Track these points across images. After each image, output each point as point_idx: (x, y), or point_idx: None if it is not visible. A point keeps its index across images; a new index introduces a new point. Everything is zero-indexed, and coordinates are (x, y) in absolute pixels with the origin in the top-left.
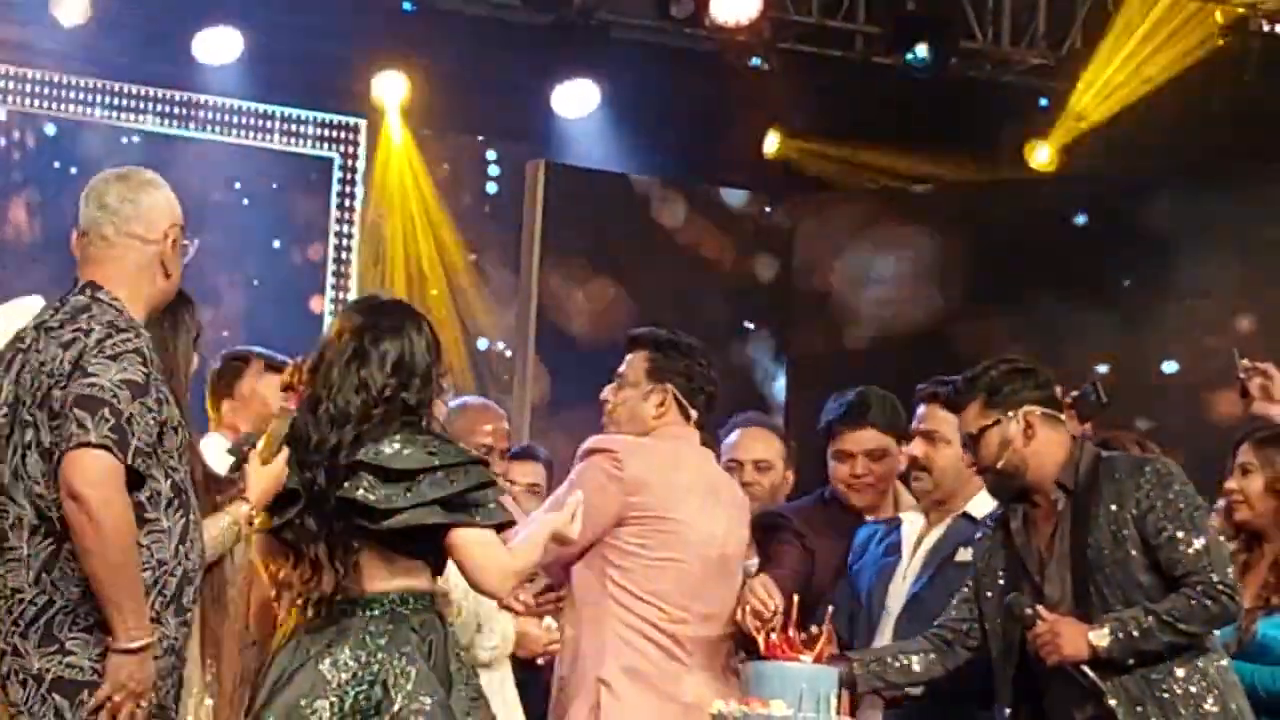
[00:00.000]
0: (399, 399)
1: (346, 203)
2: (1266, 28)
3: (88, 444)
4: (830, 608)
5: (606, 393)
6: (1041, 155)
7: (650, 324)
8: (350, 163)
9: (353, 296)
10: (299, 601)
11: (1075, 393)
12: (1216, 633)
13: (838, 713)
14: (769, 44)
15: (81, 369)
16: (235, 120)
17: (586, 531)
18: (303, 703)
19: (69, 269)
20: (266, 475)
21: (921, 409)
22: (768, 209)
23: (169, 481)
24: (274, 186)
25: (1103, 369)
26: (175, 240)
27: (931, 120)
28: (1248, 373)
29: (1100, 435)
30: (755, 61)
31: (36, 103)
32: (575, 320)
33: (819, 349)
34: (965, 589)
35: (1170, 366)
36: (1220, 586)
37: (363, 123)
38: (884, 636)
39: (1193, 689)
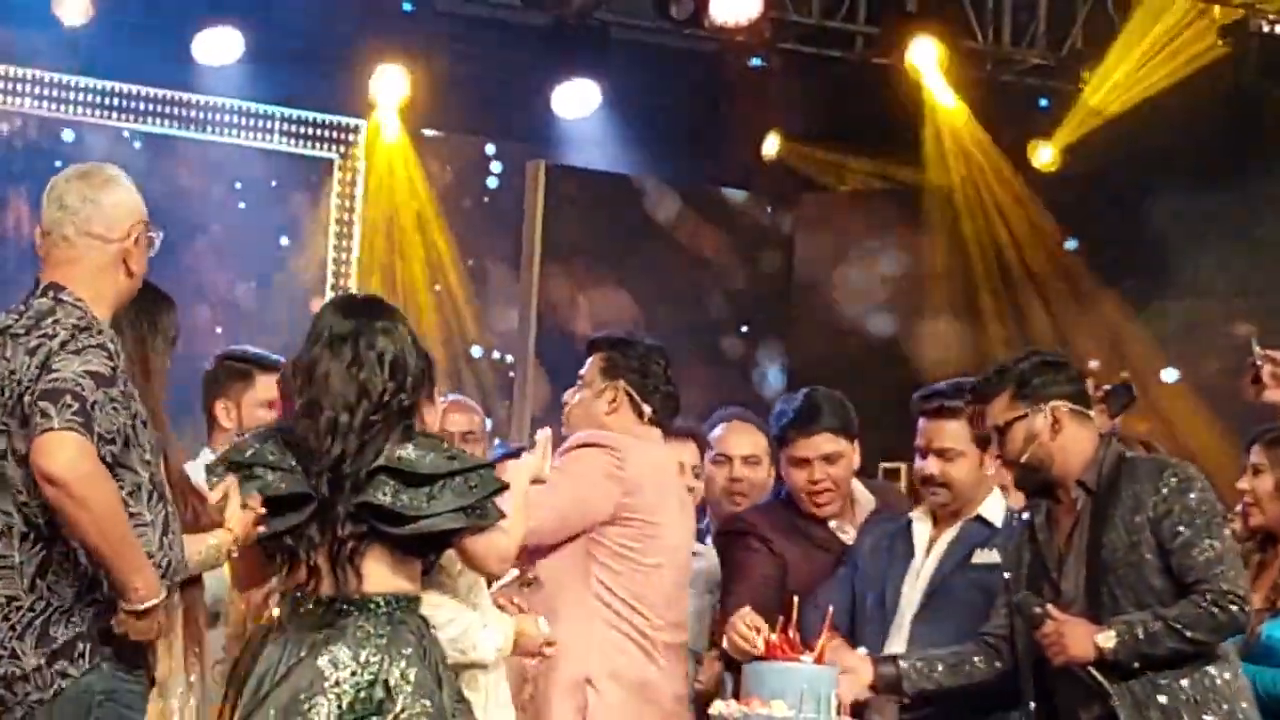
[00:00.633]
0: (397, 401)
1: (346, 203)
2: (1266, 28)
3: (51, 429)
4: (830, 608)
5: (566, 395)
6: (1044, 155)
7: (651, 324)
8: (350, 163)
9: (354, 287)
10: (283, 597)
11: (1107, 387)
12: (1228, 641)
13: (838, 713)
14: (769, 44)
15: (47, 368)
16: (235, 121)
17: (573, 521)
18: (302, 698)
19: None
20: (249, 517)
21: (925, 425)
22: (768, 209)
23: (147, 474)
24: (274, 186)
25: (1093, 363)
26: (138, 237)
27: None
28: (1263, 360)
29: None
30: (755, 62)
31: (37, 103)
32: (576, 322)
33: (819, 349)
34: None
35: (1170, 373)
36: (1230, 596)
37: (363, 123)
38: (898, 639)
39: (1198, 697)
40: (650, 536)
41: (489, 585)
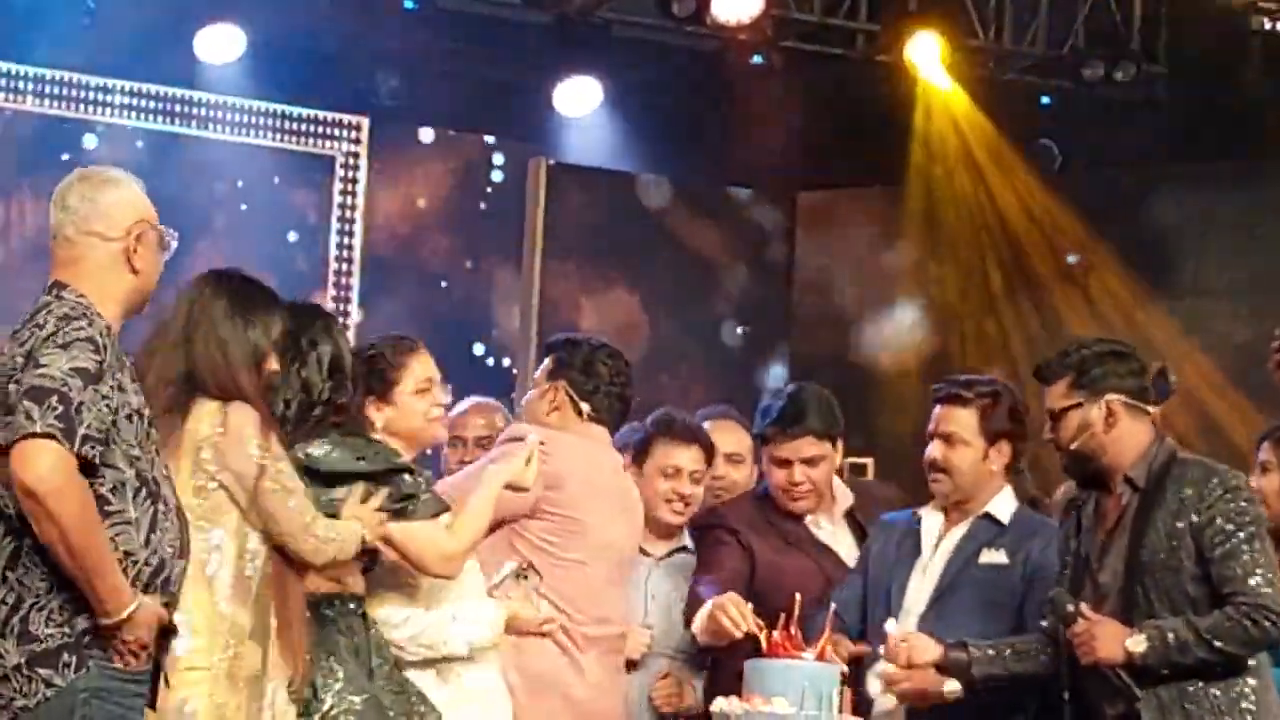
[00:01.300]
0: (333, 400)
1: (349, 200)
2: (1268, 25)
3: (33, 434)
4: (834, 606)
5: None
6: (1048, 154)
7: (653, 322)
8: (352, 160)
9: (355, 293)
10: None
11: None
12: (1264, 654)
13: (839, 710)
14: (771, 42)
15: (33, 360)
16: (237, 119)
17: (495, 514)
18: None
19: None
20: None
21: (938, 410)
22: (770, 207)
23: (133, 470)
24: (275, 183)
25: None
26: (141, 236)
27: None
28: None
29: None
30: (757, 60)
31: (40, 100)
32: (579, 320)
33: (822, 347)
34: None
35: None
36: (1266, 611)
37: (365, 120)
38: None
39: (1224, 706)
40: (572, 532)
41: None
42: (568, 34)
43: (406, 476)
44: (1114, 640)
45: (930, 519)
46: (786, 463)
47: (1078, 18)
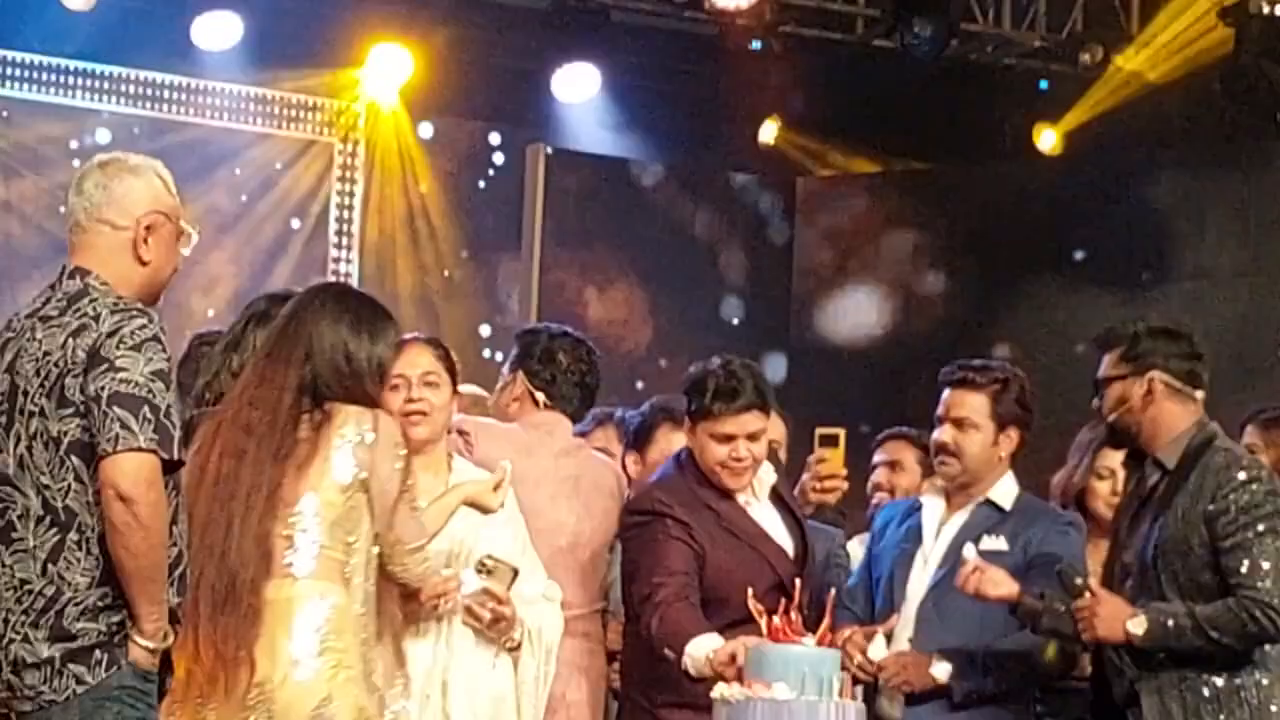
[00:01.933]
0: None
1: (348, 186)
2: (1266, 9)
3: (138, 448)
4: (833, 590)
5: None
6: (1047, 139)
7: (654, 309)
8: (351, 146)
9: (355, 280)
10: None
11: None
12: (1269, 649)
13: (840, 696)
14: (770, 27)
15: (107, 361)
16: (235, 106)
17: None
18: None
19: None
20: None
21: (947, 394)
22: (769, 192)
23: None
24: (276, 169)
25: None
26: (152, 226)
27: (932, 103)
28: None
29: None
30: (756, 45)
31: (36, 89)
32: (578, 306)
33: (821, 331)
34: None
35: None
36: (1266, 606)
37: (362, 107)
38: (906, 624)
39: (1221, 697)
40: None
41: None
42: (566, 20)
43: None
44: (1115, 619)
45: (931, 506)
46: (729, 438)
47: (1077, 2)
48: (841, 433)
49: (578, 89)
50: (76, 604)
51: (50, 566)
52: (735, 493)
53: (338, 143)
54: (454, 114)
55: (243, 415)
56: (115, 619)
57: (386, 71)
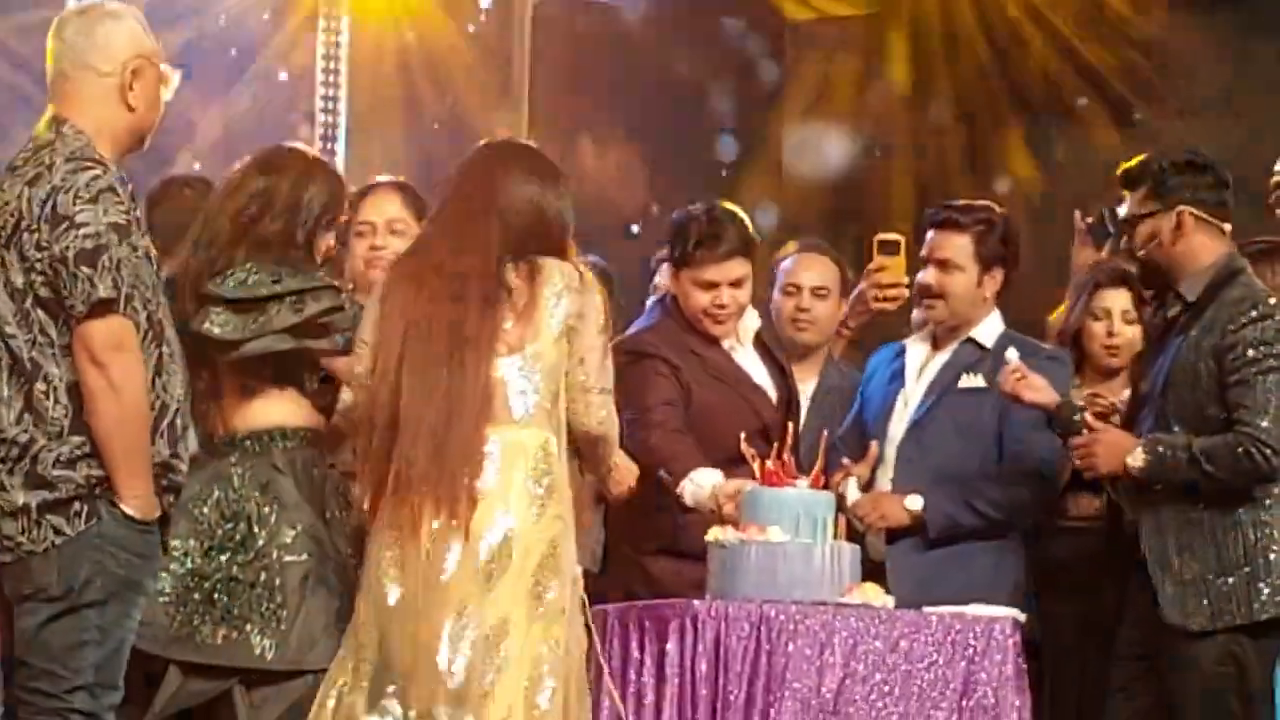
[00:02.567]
0: (258, 228)
1: (333, 37)
2: None
3: (103, 301)
4: (825, 433)
5: None
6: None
7: (644, 154)
8: None
9: (343, 131)
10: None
11: (1089, 220)
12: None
13: (834, 537)
14: None
15: (67, 219)
16: None
17: None
18: (175, 543)
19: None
20: None
21: (932, 235)
22: (760, 36)
23: (144, 314)
24: (263, 19)
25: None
26: (137, 71)
27: None
28: None
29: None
30: None
31: None
32: (571, 155)
33: (807, 175)
34: None
35: None
36: (1262, 445)
37: None
38: (887, 465)
39: (1218, 534)
40: None
41: None
42: None
43: (333, 293)
44: (1115, 455)
45: (915, 349)
46: (712, 285)
47: None
48: (902, 239)
49: None
50: (51, 452)
51: (26, 415)
52: (720, 339)
53: None
54: None
55: (455, 263)
56: (95, 471)
57: None
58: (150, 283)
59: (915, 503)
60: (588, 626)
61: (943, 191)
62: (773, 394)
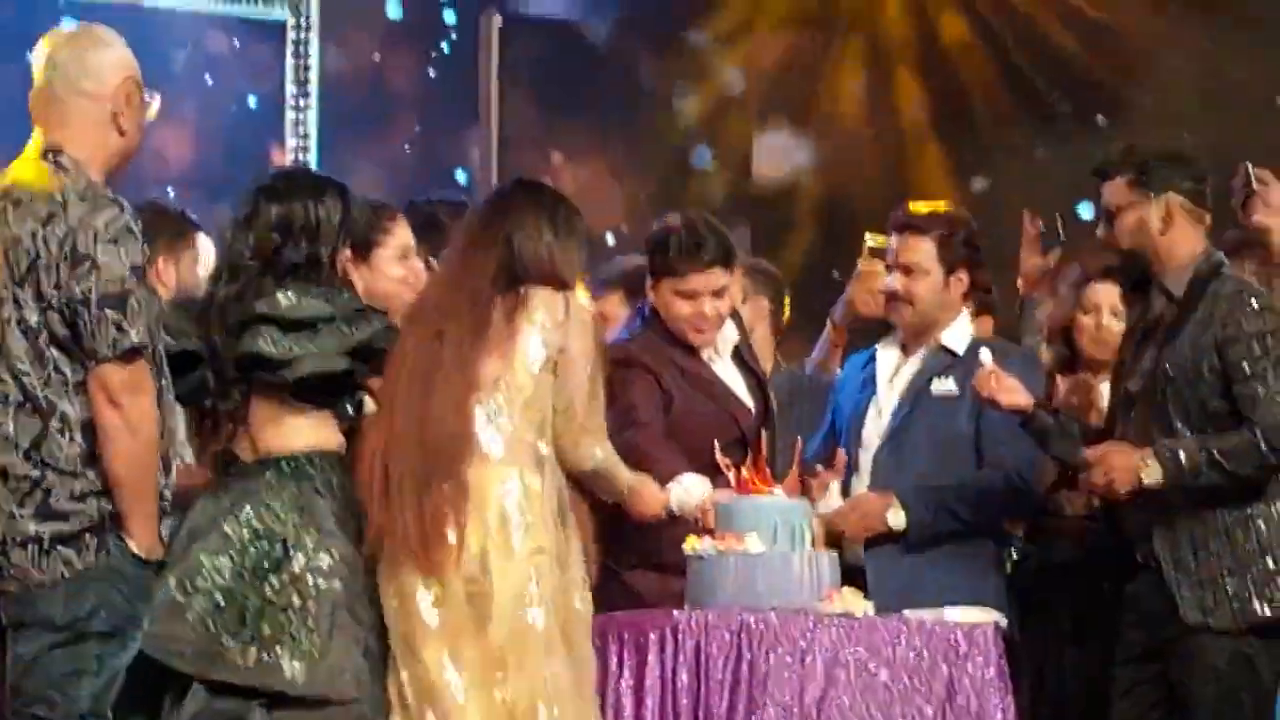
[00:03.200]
0: (283, 256)
1: (302, 62)
2: None
3: (136, 349)
4: (799, 440)
5: None
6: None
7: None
8: (304, 21)
9: (314, 154)
10: (212, 457)
11: (1041, 224)
12: None
13: (812, 545)
14: None
15: (89, 258)
16: None
17: None
18: (203, 559)
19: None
20: None
21: (894, 239)
22: (724, 46)
23: (151, 349)
24: (235, 46)
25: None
26: (129, 95)
27: None
28: (1257, 182)
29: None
30: None
31: None
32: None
33: (777, 181)
34: None
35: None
36: None
37: None
38: (862, 472)
39: (1231, 529)
40: None
41: None
42: None
43: (383, 317)
44: (1129, 473)
45: (885, 354)
46: (694, 295)
47: None
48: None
49: None
50: (64, 486)
51: (34, 453)
52: (700, 349)
53: (289, 17)
54: None
55: (443, 299)
56: (106, 505)
57: None
58: (157, 317)
59: (898, 519)
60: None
61: (918, 194)
62: (751, 405)
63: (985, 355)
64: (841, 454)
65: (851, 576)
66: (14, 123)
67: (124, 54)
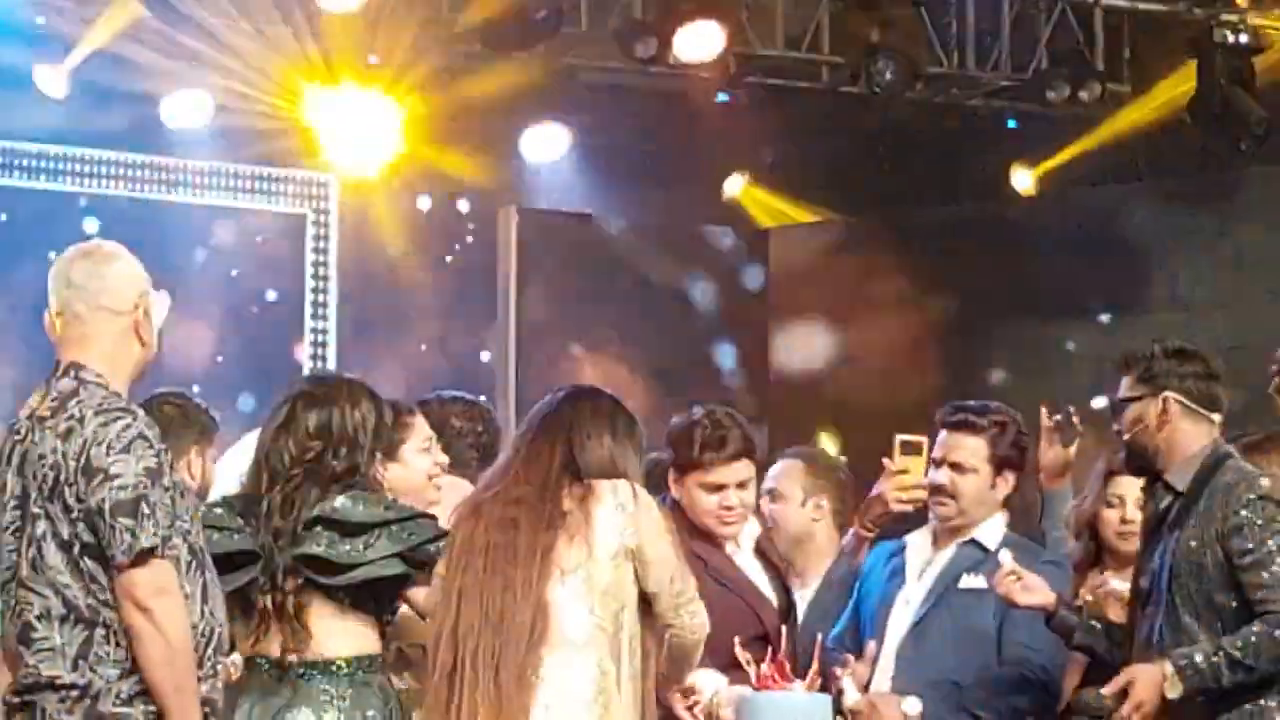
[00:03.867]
0: (326, 463)
1: (321, 257)
2: (1230, 38)
3: (149, 550)
4: (819, 636)
5: None
6: (1023, 181)
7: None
8: (322, 218)
9: (333, 349)
10: (249, 662)
11: (1058, 417)
12: None
13: None
14: (735, 79)
15: (102, 471)
16: (208, 182)
17: None
18: None
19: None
20: None
21: (944, 436)
22: (742, 242)
23: (185, 545)
24: (256, 241)
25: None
26: (146, 308)
27: (900, 146)
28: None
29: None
30: (722, 97)
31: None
32: (560, 365)
33: (797, 377)
34: None
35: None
36: None
37: (332, 178)
38: (885, 664)
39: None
40: None
41: None
42: (533, 80)
43: (433, 522)
44: (1152, 690)
45: (916, 546)
46: (719, 488)
47: (1041, 39)
48: (925, 440)
49: (547, 148)
50: (110, 692)
51: (81, 662)
52: (723, 542)
53: (310, 213)
54: (424, 179)
55: (511, 490)
56: (151, 708)
57: (356, 139)
58: (187, 514)
59: (913, 707)
60: None
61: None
62: (774, 599)
63: (1005, 555)
64: (871, 646)
65: None
66: (37, 322)
67: (135, 266)
